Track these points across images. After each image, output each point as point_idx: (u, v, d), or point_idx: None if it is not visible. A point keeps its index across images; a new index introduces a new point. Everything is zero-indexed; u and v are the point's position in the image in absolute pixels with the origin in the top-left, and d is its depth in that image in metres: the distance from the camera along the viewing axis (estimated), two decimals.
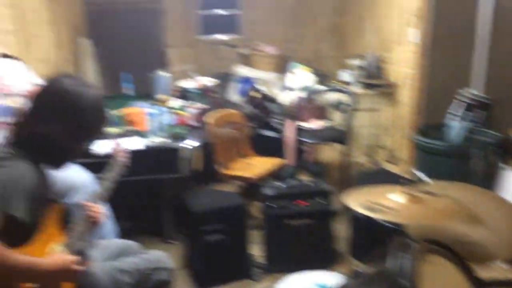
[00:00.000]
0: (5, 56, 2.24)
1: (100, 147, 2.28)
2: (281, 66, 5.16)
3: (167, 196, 2.92)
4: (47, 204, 1.50)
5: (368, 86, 4.25)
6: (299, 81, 4.28)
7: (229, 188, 3.31)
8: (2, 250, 1.22)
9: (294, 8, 5.79)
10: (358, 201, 1.67)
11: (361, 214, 1.67)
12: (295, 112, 3.86)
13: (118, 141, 2.19)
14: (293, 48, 5.61)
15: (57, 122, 1.46)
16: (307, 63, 4.96)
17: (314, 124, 3.82)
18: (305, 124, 3.78)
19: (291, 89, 4.31)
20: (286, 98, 4.20)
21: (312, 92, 4.04)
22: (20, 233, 1.35)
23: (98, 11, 5.46)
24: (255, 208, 3.01)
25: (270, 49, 5.38)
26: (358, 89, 4.22)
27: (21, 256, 1.28)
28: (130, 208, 2.76)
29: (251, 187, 3.24)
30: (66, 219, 1.55)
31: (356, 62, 4.48)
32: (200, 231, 2.50)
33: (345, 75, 4.56)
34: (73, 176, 2.17)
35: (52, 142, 1.47)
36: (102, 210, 1.68)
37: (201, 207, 2.53)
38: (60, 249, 1.46)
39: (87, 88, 1.53)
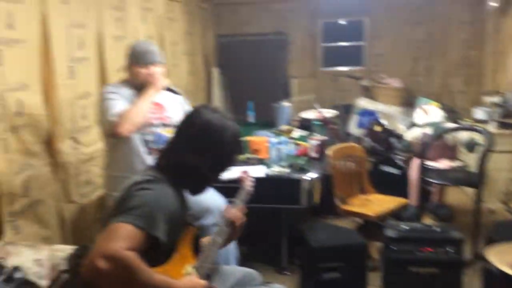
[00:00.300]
0: (169, 89, 2.48)
1: (228, 172, 2.38)
2: (406, 100, 4.96)
3: (285, 227, 2.93)
4: (184, 226, 1.59)
5: (506, 125, 3.87)
6: (426, 117, 4.05)
7: (346, 224, 3.21)
8: (143, 268, 1.31)
9: (422, 40, 5.57)
10: (504, 258, 1.50)
11: (499, 270, 1.49)
12: (420, 149, 3.64)
13: (245, 168, 2.26)
14: (420, 81, 5.38)
15: (199, 152, 1.56)
16: (435, 98, 4.69)
17: (442, 163, 3.56)
18: (431, 163, 3.54)
19: (417, 125, 4.09)
20: (411, 134, 4.00)
21: (440, 130, 3.78)
22: (159, 253, 1.44)
23: (228, 42, 5.85)
24: (374, 249, 2.87)
25: (395, 82, 5.21)
26: (494, 128, 3.86)
27: (159, 275, 1.37)
28: (248, 234, 2.82)
29: (369, 226, 3.10)
30: (198, 242, 1.63)
31: (493, 98, 4.10)
32: (317, 267, 2.45)
33: (479, 113, 4.20)
34: (208, 199, 2.30)
35: (193, 170, 1.57)
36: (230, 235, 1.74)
37: (320, 243, 2.49)
38: (191, 271, 1.53)
39: (227, 121, 1.62)
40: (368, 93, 5.24)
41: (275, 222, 2.94)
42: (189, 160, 1.55)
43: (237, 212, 1.78)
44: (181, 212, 1.57)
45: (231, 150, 1.62)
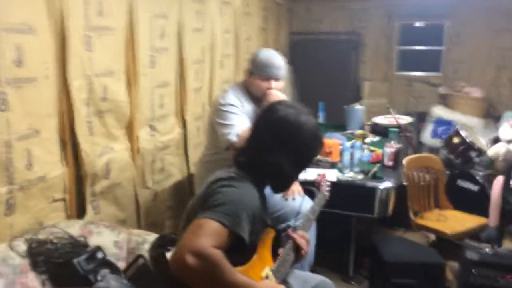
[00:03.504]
0: None
1: (305, 173, 2.30)
2: (487, 112, 4.64)
3: (355, 235, 2.83)
4: (264, 227, 1.56)
5: None
6: None
7: (417, 238, 3.05)
8: (228, 267, 1.29)
9: (507, 48, 5.15)
10: None
11: None
12: (505, 167, 3.38)
13: (321, 172, 2.19)
14: (505, 92, 4.99)
15: (278, 149, 1.52)
16: None
17: None
18: None
19: (502, 140, 3.80)
20: (494, 149, 3.73)
21: None
22: (239, 254, 1.41)
23: (301, 40, 5.76)
24: (448, 269, 2.69)
25: (475, 92, 4.90)
26: None
27: (242, 276, 1.34)
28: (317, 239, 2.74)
29: (443, 243, 2.92)
30: (277, 244, 1.59)
31: None
32: (390, 283, 2.34)
33: None
34: (297, 202, 2.25)
35: (273, 167, 1.52)
36: (308, 241, 1.68)
37: (395, 258, 2.37)
38: (270, 275, 1.49)
39: (304, 116, 1.56)
40: (445, 101, 4.95)
41: (344, 229, 2.84)
42: (269, 157, 1.51)
43: (302, 236, 1.67)
44: (261, 212, 1.53)
45: (310, 145, 1.56)
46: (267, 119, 1.59)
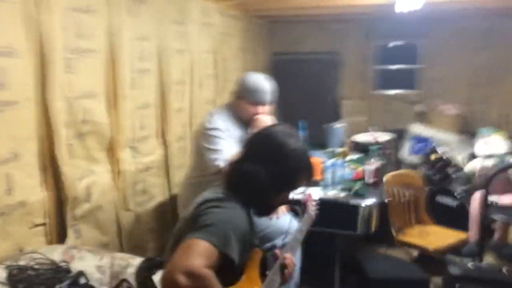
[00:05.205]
0: None
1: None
2: (464, 128, 4.76)
3: (339, 253, 2.83)
4: (251, 247, 1.55)
5: None
6: (488, 147, 3.86)
7: (400, 254, 3.07)
8: (217, 286, 1.28)
9: (482, 65, 5.31)
10: None
11: None
12: (483, 182, 3.45)
13: (309, 191, 2.20)
14: (479, 109, 5.14)
15: (259, 162, 1.53)
16: (497, 127, 4.47)
17: (509, 199, 3.35)
18: (496, 198, 3.34)
19: (479, 156, 3.90)
20: (472, 165, 3.82)
21: (505, 162, 3.59)
22: (229, 274, 1.40)
23: (281, 60, 5.84)
24: (432, 284, 2.71)
25: (451, 109, 5.03)
26: None
27: None
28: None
29: (426, 259, 2.95)
30: (264, 265, 1.58)
31: None
32: None
33: None
34: (283, 221, 2.24)
35: (250, 179, 1.52)
36: (295, 261, 1.67)
37: (380, 274, 2.38)
38: None
39: (293, 139, 1.57)
40: (422, 118, 5.07)
41: (329, 246, 2.84)
42: (248, 167, 1.53)
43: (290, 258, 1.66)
44: (249, 232, 1.52)
45: (292, 166, 1.55)
46: (256, 136, 1.63)
